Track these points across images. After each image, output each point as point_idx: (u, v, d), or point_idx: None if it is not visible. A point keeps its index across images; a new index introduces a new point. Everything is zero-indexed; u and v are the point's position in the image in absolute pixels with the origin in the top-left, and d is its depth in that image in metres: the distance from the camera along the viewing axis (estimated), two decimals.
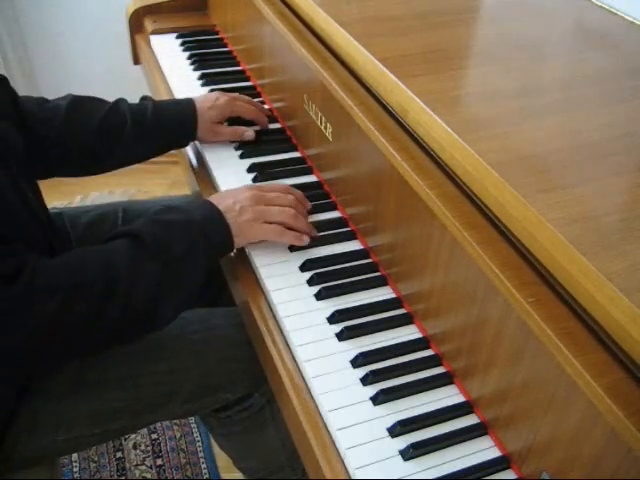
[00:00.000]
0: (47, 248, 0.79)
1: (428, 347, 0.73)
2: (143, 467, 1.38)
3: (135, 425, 0.90)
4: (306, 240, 0.83)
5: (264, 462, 1.03)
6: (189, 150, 1.06)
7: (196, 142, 1.04)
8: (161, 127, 0.96)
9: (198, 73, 1.21)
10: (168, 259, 0.72)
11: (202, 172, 1.01)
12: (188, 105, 0.99)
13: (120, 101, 0.97)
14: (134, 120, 0.94)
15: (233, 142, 1.03)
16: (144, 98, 1.01)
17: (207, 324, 0.90)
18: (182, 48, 1.30)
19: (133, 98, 0.99)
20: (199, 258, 0.75)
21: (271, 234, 0.81)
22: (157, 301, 0.72)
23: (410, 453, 0.62)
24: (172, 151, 1.18)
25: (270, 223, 0.81)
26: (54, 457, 0.91)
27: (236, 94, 1.07)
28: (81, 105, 0.94)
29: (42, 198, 0.87)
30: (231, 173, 0.97)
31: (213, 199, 0.80)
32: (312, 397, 0.68)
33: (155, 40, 1.33)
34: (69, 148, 0.93)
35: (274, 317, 0.77)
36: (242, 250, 0.85)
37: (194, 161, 1.04)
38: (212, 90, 1.15)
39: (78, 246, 0.98)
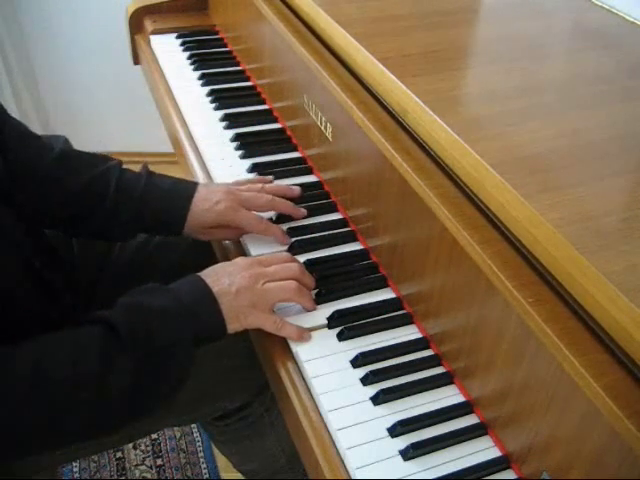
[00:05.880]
0: (26, 279, 0.72)
1: (428, 347, 0.73)
2: (143, 467, 1.38)
3: (132, 436, 0.89)
4: (307, 337, 0.73)
5: (264, 465, 1.04)
6: (189, 150, 1.05)
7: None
8: (147, 211, 0.84)
9: (198, 73, 1.21)
10: (144, 354, 0.65)
11: (201, 170, 1.01)
12: (182, 200, 0.84)
13: (111, 168, 0.85)
14: (119, 192, 0.83)
15: (233, 142, 1.03)
16: (144, 166, 0.88)
17: None
18: (182, 48, 1.30)
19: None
20: (184, 348, 0.68)
21: (268, 324, 0.73)
22: (134, 395, 0.66)
23: (410, 453, 0.62)
24: (171, 151, 1.19)
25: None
26: (52, 468, 0.91)
27: (247, 189, 0.87)
28: (68, 161, 0.85)
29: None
30: (232, 174, 0.97)
31: (207, 277, 0.72)
32: (312, 397, 0.68)
33: (155, 40, 1.33)
34: (48, 202, 0.83)
35: None
36: (242, 252, 0.85)
37: (194, 162, 1.04)
38: (212, 90, 1.15)
39: (76, 245, 0.97)
